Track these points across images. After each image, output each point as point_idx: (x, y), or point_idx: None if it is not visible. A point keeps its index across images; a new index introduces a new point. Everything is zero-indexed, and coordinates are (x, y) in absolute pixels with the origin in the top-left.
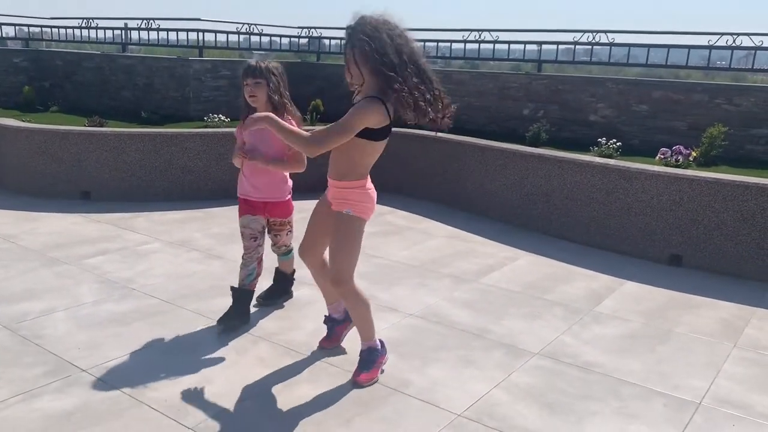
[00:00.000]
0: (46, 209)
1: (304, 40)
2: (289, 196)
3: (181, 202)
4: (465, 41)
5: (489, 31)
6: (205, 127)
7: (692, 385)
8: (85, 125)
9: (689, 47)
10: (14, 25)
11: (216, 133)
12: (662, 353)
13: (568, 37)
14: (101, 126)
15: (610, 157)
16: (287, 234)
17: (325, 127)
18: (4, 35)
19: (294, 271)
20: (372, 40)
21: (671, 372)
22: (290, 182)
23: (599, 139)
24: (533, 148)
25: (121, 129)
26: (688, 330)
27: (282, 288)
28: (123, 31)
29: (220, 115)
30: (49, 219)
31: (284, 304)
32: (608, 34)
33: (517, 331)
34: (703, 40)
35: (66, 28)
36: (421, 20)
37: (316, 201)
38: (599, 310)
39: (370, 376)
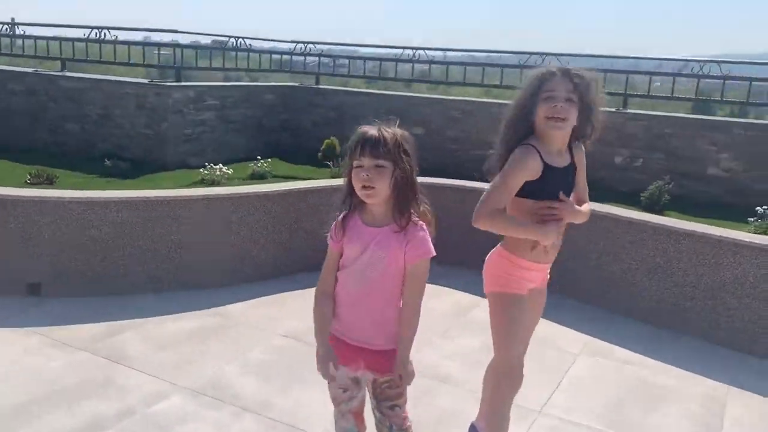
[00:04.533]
0: None
1: (298, 58)
2: None
3: (176, 293)
4: (521, 66)
5: (556, 55)
6: (201, 180)
7: None
8: (26, 182)
9: None
10: None
11: (236, 195)
12: None
13: (667, 66)
14: (50, 182)
15: None
16: (405, 403)
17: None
18: None
19: None
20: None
21: None
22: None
23: (758, 208)
24: (661, 219)
25: (87, 193)
26: None
27: None
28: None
29: (221, 165)
30: None
31: None
32: (720, 64)
33: None
34: None
35: None
36: (485, 43)
37: None
38: None
39: None
